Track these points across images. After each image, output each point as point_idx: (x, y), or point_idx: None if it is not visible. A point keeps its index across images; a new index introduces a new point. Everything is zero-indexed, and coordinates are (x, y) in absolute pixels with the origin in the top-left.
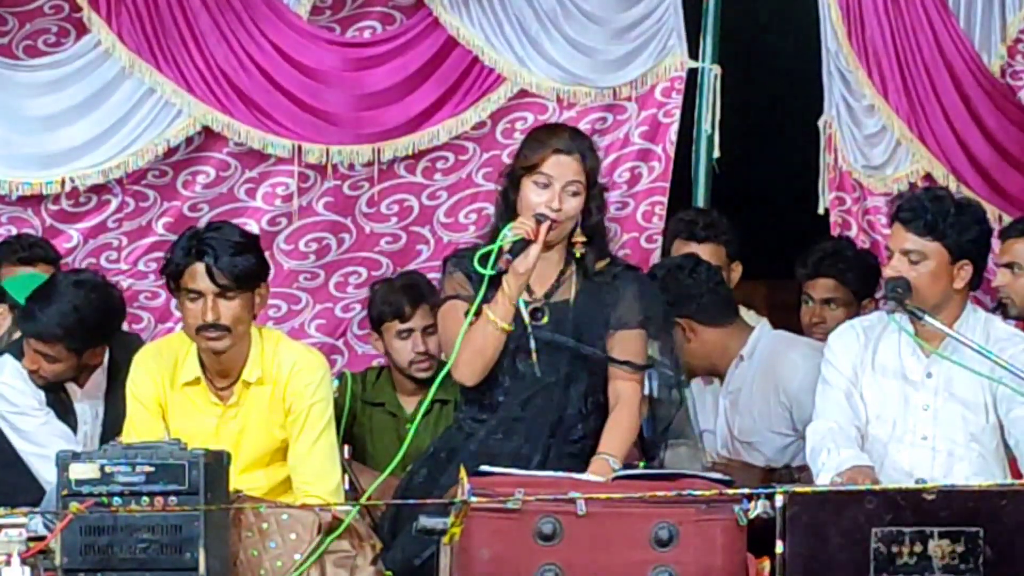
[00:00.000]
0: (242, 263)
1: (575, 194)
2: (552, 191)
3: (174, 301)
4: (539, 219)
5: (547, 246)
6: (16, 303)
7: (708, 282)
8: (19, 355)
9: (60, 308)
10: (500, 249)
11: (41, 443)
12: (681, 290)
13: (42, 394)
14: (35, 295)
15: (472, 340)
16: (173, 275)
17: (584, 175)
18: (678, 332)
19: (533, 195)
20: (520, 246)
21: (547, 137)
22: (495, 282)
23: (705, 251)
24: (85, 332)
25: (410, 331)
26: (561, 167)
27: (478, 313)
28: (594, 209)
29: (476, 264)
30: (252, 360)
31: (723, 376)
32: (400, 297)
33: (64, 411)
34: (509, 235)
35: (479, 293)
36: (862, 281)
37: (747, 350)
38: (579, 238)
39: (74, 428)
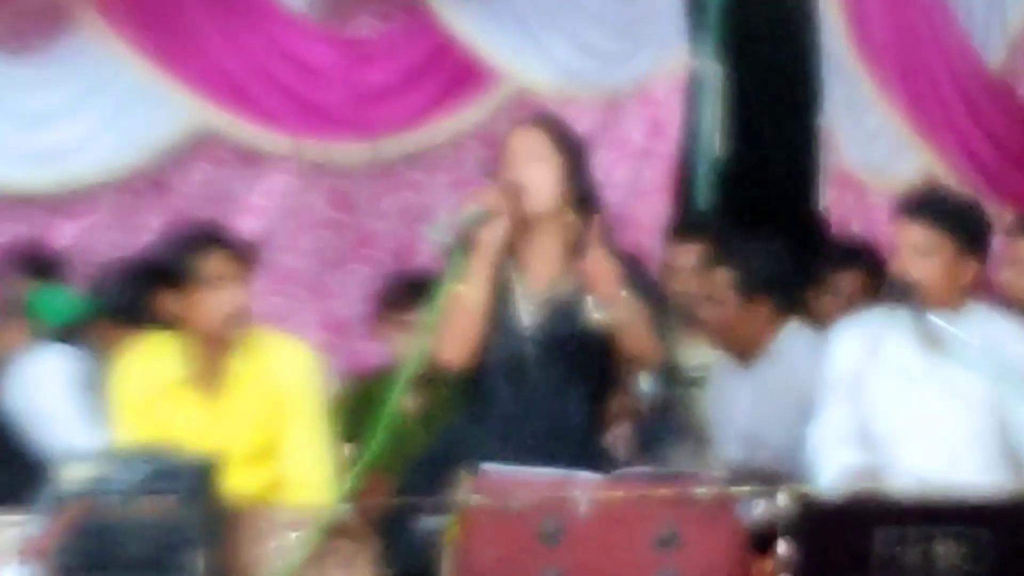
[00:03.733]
0: (246, 241)
1: (534, 160)
2: (516, 164)
3: None
4: (505, 189)
5: (530, 220)
6: (37, 317)
7: (796, 276)
8: (69, 343)
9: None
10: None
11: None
12: (779, 274)
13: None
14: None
15: (449, 320)
16: (185, 273)
17: (547, 143)
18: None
19: (506, 175)
20: (482, 217)
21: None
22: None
23: (690, 252)
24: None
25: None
26: (517, 140)
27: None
28: (570, 174)
29: (431, 232)
30: (239, 355)
31: (745, 361)
32: (404, 290)
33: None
34: (472, 207)
35: (453, 270)
36: (884, 276)
37: (776, 346)
38: (568, 216)
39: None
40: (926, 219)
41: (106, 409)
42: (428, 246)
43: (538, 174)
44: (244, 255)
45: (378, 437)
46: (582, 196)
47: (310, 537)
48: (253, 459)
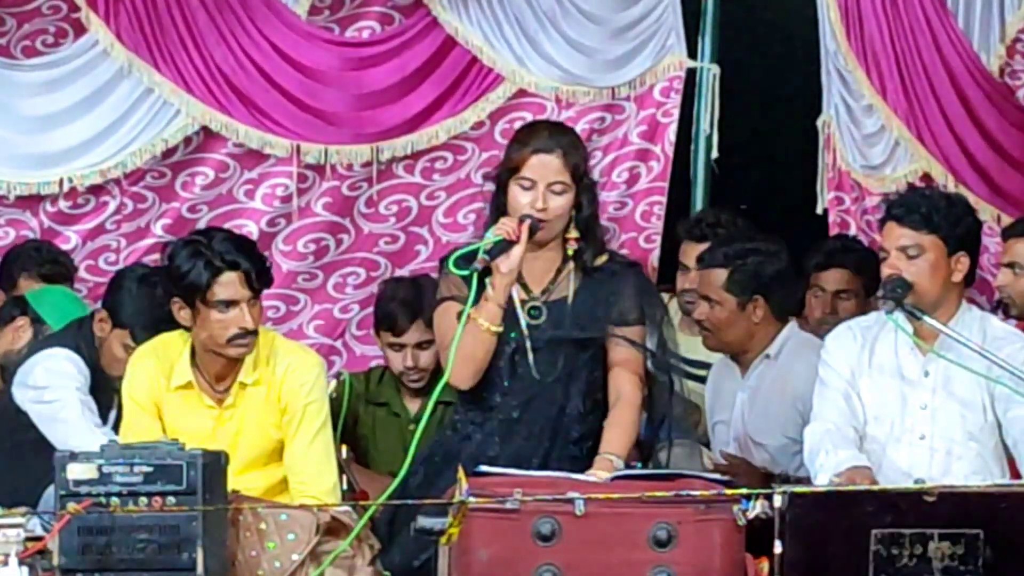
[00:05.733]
0: (265, 263)
1: (559, 192)
2: (536, 192)
3: None
4: (521, 219)
5: (539, 245)
6: (39, 318)
7: (794, 278)
8: (73, 346)
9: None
10: (476, 250)
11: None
12: (775, 275)
13: (87, 376)
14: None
15: (462, 344)
16: (197, 290)
17: (568, 172)
18: (723, 309)
19: (520, 197)
20: (501, 247)
21: (527, 137)
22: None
23: (698, 250)
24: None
25: (402, 346)
26: (542, 167)
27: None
28: (584, 204)
29: (452, 266)
30: (249, 361)
31: (742, 363)
32: (397, 309)
33: (104, 407)
34: (490, 236)
35: (469, 297)
36: (872, 275)
37: (774, 349)
38: (572, 235)
39: (106, 417)
40: (913, 221)
41: (107, 410)
42: (426, 251)
43: (556, 204)
44: (258, 276)
45: (406, 464)
46: (589, 219)
47: (309, 538)
48: (258, 463)
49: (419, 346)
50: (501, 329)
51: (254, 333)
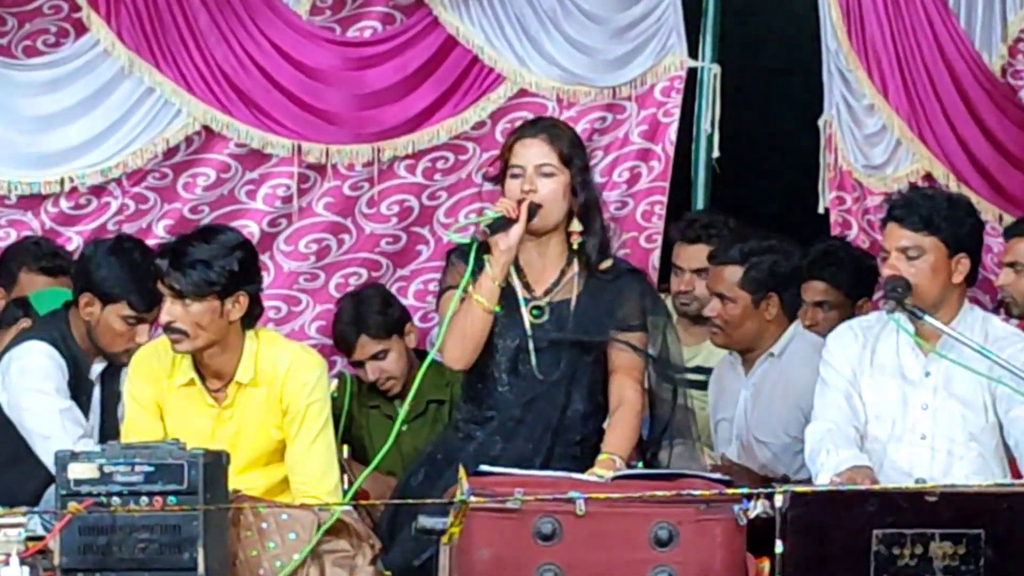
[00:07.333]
0: (195, 274)
1: (548, 175)
2: (526, 177)
3: None
4: (520, 200)
5: (537, 233)
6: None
7: (805, 277)
8: (50, 337)
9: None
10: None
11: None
12: (789, 273)
13: (65, 369)
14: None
15: (457, 322)
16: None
17: (555, 155)
18: (739, 304)
19: (513, 187)
20: (500, 223)
21: (512, 132)
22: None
23: (699, 251)
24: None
25: (359, 362)
26: (526, 151)
27: (465, 295)
28: (578, 188)
29: (451, 235)
30: (245, 361)
31: (747, 361)
32: (343, 330)
33: (84, 396)
34: (490, 212)
35: (468, 269)
36: (855, 282)
37: (778, 347)
38: (575, 228)
39: (86, 413)
40: (913, 223)
41: (88, 396)
42: (427, 250)
43: (546, 186)
44: (173, 278)
45: (388, 443)
46: (586, 205)
47: (310, 537)
48: (259, 463)
49: (374, 358)
50: (497, 309)
51: (179, 331)
